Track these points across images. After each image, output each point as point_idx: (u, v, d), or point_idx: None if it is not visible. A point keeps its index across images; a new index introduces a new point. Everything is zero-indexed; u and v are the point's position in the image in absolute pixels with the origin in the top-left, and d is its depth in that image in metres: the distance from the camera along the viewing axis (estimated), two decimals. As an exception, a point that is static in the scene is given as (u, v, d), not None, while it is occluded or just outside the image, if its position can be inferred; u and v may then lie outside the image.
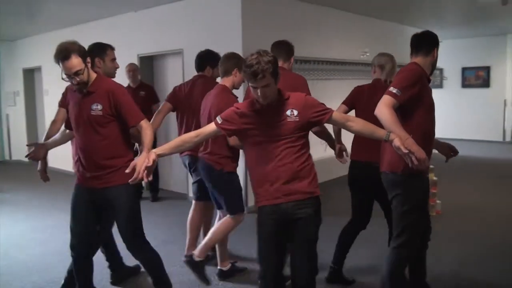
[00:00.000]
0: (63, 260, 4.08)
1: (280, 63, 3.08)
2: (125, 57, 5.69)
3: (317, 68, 6.39)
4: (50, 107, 8.83)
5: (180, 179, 6.40)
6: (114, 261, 3.66)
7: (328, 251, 3.48)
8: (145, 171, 2.33)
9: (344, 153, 3.20)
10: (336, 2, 6.51)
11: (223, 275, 3.65)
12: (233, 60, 3.33)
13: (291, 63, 3.42)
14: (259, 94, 2.28)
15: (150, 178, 2.39)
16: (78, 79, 2.66)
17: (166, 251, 4.02)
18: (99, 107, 2.72)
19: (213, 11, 5.65)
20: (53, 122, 3.31)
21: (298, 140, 2.36)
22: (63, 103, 3.19)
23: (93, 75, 2.79)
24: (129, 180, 2.35)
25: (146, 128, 2.77)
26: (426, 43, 2.75)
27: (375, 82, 3.33)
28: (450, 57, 10.65)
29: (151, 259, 3.01)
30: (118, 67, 3.29)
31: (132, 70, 5.86)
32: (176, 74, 6.22)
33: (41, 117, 9.44)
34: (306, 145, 2.42)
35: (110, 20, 7.00)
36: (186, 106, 3.80)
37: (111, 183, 2.76)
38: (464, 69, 11.36)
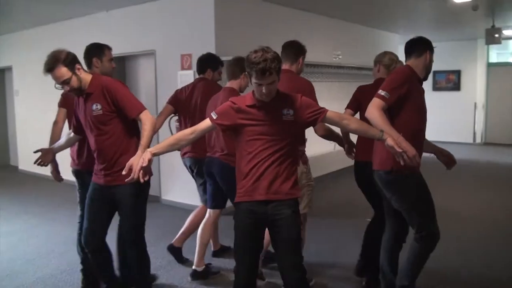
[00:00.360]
0: (33, 264, 4.04)
1: (287, 66, 3.30)
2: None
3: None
4: (20, 108, 8.66)
5: (153, 180, 6.26)
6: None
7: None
8: (141, 171, 2.36)
9: (354, 149, 3.42)
10: (309, 5, 6.58)
11: (196, 276, 3.65)
12: (242, 63, 3.29)
13: (299, 64, 3.40)
14: (263, 91, 2.31)
15: (147, 178, 2.42)
16: (67, 87, 2.72)
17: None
18: (99, 106, 2.77)
19: (186, 12, 5.64)
20: (55, 123, 3.36)
21: (288, 141, 2.40)
22: (62, 103, 3.30)
23: (88, 77, 2.81)
24: (126, 180, 2.42)
25: (145, 122, 2.76)
26: (417, 47, 2.87)
27: (378, 81, 3.26)
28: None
29: (141, 259, 3.04)
30: (114, 67, 3.31)
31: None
32: (149, 75, 6.19)
33: (11, 118, 9.23)
34: (294, 146, 2.47)
35: (82, 20, 6.90)
36: (187, 108, 3.83)
37: (118, 181, 2.77)
38: (435, 73, 11.59)
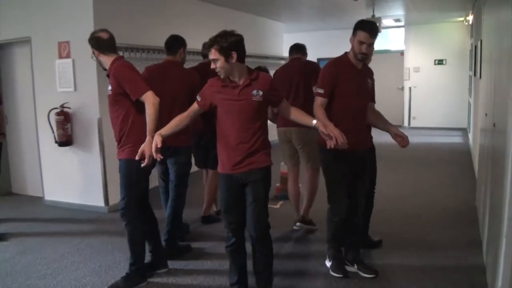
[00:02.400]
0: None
1: (170, 58, 4.02)
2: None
3: (156, 58, 5.86)
4: None
5: (35, 179, 5.89)
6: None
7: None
8: (155, 152, 2.70)
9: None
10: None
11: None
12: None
13: (181, 55, 4.06)
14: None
15: (161, 156, 2.73)
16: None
17: (25, 262, 3.87)
18: (110, 87, 3.14)
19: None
20: None
21: (258, 117, 2.79)
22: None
23: (108, 60, 3.18)
24: (142, 165, 2.88)
25: (148, 106, 3.03)
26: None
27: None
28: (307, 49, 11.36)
29: (133, 227, 3.33)
30: None
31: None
32: (24, 65, 5.71)
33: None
34: (264, 120, 2.87)
35: None
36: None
37: (120, 156, 3.27)
38: (319, 60, 12.23)
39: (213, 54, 2.68)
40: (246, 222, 2.87)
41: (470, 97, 9.95)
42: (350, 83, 3.21)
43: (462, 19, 10.53)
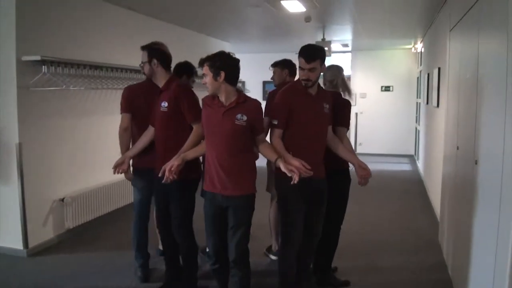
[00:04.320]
0: None
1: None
2: None
3: (96, 75, 5.27)
4: None
5: None
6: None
7: None
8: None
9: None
10: (133, 3, 6.01)
11: None
12: None
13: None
14: None
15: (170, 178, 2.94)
16: None
17: None
18: (165, 104, 3.29)
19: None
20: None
21: (240, 141, 2.87)
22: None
23: (165, 75, 3.41)
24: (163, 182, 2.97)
25: (195, 133, 3.26)
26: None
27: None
28: (252, 71, 11.02)
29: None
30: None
31: None
32: None
33: None
34: (249, 145, 2.95)
35: None
36: None
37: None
38: (265, 83, 12.04)
39: (204, 69, 2.84)
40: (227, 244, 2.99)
41: (418, 124, 10.05)
42: (305, 110, 3.09)
43: (410, 46, 10.71)
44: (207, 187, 2.99)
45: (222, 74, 2.80)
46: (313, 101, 3.11)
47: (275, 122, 3.07)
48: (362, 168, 3.20)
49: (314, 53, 3.04)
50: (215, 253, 3.06)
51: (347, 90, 3.65)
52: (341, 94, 3.60)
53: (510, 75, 2.26)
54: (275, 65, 4.37)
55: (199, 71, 3.20)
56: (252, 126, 2.89)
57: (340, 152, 3.29)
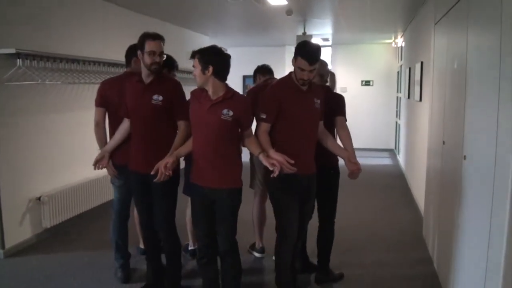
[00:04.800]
0: None
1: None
2: None
3: (73, 69, 5.11)
4: None
5: None
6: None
7: None
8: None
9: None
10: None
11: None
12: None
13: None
14: None
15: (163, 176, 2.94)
16: None
17: None
18: (160, 98, 3.19)
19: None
20: None
21: (225, 135, 2.89)
22: None
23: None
24: (154, 180, 2.94)
25: (184, 129, 3.22)
26: None
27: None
28: (232, 65, 10.95)
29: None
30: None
31: None
32: None
33: None
34: (235, 140, 3.00)
35: None
36: None
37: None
38: (245, 77, 11.95)
39: (194, 62, 2.88)
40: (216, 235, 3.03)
41: (398, 118, 10.10)
42: (294, 105, 3.07)
43: (390, 41, 10.75)
44: (194, 180, 3.02)
45: (211, 68, 2.82)
46: (304, 96, 3.09)
47: (263, 116, 3.05)
48: (352, 163, 3.19)
49: (317, 55, 3.03)
50: (204, 246, 3.09)
51: (334, 85, 3.64)
52: (330, 88, 3.57)
53: (504, 68, 2.23)
54: (253, 80, 4.57)
55: (186, 64, 3.19)
56: (238, 121, 2.91)
57: (330, 147, 3.29)
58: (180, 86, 3.31)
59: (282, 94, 3.07)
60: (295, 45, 3.14)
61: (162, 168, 2.89)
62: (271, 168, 2.81)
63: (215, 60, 2.85)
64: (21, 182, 4.53)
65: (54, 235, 4.84)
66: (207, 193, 2.95)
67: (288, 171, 2.84)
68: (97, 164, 3.41)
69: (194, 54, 2.87)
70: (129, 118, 3.30)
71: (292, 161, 2.84)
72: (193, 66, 2.88)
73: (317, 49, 3.05)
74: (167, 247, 3.39)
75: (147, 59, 3.11)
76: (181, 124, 3.19)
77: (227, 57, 2.91)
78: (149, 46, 3.10)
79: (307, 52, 2.99)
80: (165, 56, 3.25)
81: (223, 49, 2.92)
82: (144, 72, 3.18)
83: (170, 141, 3.17)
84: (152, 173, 2.91)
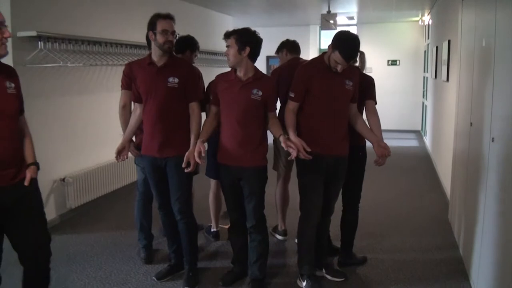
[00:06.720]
0: None
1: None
2: None
3: (95, 51, 5.10)
4: None
5: None
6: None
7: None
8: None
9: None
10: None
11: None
12: None
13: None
14: None
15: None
16: None
17: None
18: (176, 80, 3.15)
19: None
20: None
21: (254, 115, 3.03)
22: None
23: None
24: (187, 171, 3.03)
25: (199, 111, 3.30)
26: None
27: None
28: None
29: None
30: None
31: None
32: None
33: None
34: (262, 120, 3.10)
35: None
36: None
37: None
38: (268, 58, 11.83)
39: (230, 42, 2.96)
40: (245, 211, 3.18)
41: (425, 99, 9.88)
42: (323, 85, 3.07)
43: (417, 19, 10.46)
44: (222, 160, 3.16)
45: (247, 49, 2.95)
46: (334, 77, 3.06)
47: (292, 95, 3.12)
48: (381, 147, 3.11)
49: (356, 54, 3.09)
50: (233, 221, 3.32)
51: (364, 65, 3.60)
52: (360, 69, 3.50)
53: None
54: (277, 51, 4.36)
55: (211, 45, 3.23)
56: (265, 102, 3.04)
57: (360, 129, 3.23)
58: (193, 67, 3.34)
59: (311, 73, 3.10)
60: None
61: (197, 158, 2.94)
62: (286, 149, 2.89)
63: (253, 42, 2.97)
64: (45, 163, 4.54)
65: (78, 216, 4.93)
66: (235, 172, 3.09)
67: (302, 157, 2.88)
68: (120, 154, 3.33)
69: (229, 34, 2.97)
70: (141, 103, 3.23)
71: (309, 149, 2.87)
72: (227, 46, 2.97)
73: (356, 46, 2.99)
74: (185, 227, 3.37)
75: (160, 38, 3.05)
76: (193, 106, 3.20)
77: (261, 41, 3.03)
78: (161, 25, 3.06)
79: (345, 50, 2.92)
80: (177, 35, 3.22)
81: (256, 32, 3.02)
82: (157, 53, 3.12)
83: (185, 124, 3.16)
84: (183, 166, 2.98)
